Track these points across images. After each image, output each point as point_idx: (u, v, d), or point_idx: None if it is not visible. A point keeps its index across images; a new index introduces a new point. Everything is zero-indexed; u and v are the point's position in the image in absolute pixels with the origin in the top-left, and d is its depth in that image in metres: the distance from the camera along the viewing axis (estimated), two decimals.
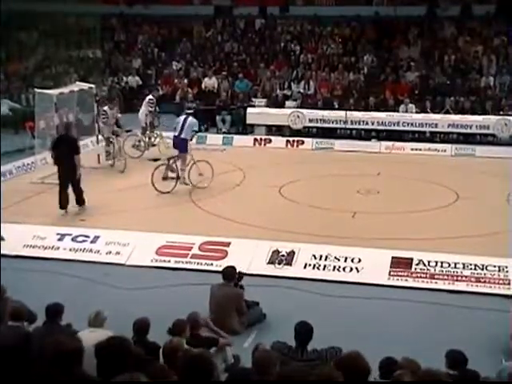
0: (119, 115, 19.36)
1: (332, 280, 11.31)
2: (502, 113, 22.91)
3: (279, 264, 11.81)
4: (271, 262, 11.87)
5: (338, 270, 11.60)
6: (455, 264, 11.46)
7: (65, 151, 14.39)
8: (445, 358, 6.78)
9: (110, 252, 12.32)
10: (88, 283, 11.12)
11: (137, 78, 28.25)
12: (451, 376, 6.21)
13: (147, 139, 20.34)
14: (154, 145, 20.36)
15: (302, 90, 25.39)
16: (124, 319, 7.55)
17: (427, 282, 11.19)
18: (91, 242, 12.59)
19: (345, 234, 13.26)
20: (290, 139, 22.40)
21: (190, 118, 16.89)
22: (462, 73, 25.33)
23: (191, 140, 16.89)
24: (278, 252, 12.04)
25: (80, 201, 14.77)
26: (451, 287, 11.06)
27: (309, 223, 14.02)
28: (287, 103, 24.59)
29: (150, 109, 20.42)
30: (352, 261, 11.71)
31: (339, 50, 27.42)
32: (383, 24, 28.21)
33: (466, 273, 11.31)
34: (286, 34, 28.92)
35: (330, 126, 23.07)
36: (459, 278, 11.23)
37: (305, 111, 23.18)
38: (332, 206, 15.09)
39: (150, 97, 20.78)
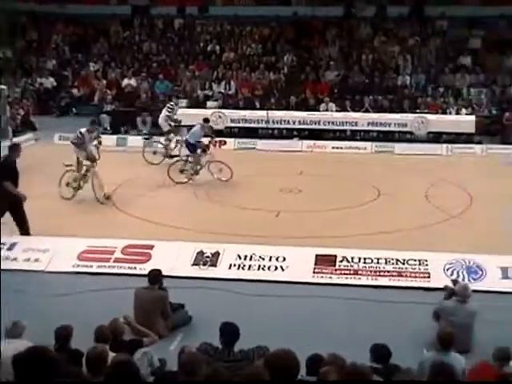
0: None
1: (257, 279, 11.29)
2: (418, 111, 23.52)
3: (204, 265, 11.71)
4: (196, 263, 11.75)
5: (262, 269, 11.59)
6: (377, 259, 11.63)
7: None
8: (369, 353, 6.85)
9: (29, 259, 11.92)
10: (5, 292, 10.71)
11: (51, 79, 27.39)
12: (375, 369, 6.28)
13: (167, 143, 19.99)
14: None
15: (223, 90, 25.37)
16: (45, 327, 7.31)
17: (351, 278, 11.31)
18: (8, 249, 12.13)
19: (269, 233, 13.29)
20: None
21: (197, 126, 17.82)
22: (379, 72, 25.84)
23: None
24: (203, 253, 11.94)
25: (23, 229, 12.73)
26: (374, 282, 11.21)
27: (233, 224, 13.97)
28: (208, 103, 24.54)
29: (168, 113, 20.23)
30: (277, 260, 11.73)
31: (259, 50, 27.52)
32: (302, 24, 28.46)
33: (388, 268, 11.48)
34: (205, 34, 28.80)
35: (252, 125, 23.13)
36: (382, 273, 11.40)
37: (226, 111, 23.18)
38: (255, 205, 15.10)
39: (172, 102, 20.81)
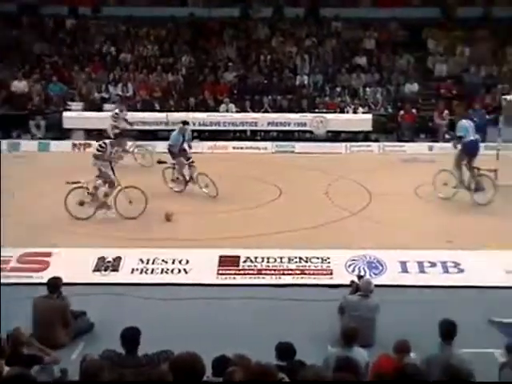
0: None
1: (160, 283, 11.13)
2: (317, 110, 23.89)
3: (105, 271, 11.45)
4: (97, 269, 11.47)
5: (166, 272, 11.45)
6: (281, 258, 11.70)
7: None
8: (275, 351, 6.85)
9: None
10: None
11: None
12: (280, 367, 6.32)
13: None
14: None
15: (120, 93, 24.89)
16: None
17: (255, 278, 11.34)
18: None
19: (171, 235, 13.14)
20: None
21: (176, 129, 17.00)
22: (278, 72, 26.06)
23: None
24: (104, 259, 11.68)
25: None
26: (278, 281, 11.27)
27: (133, 227, 13.72)
28: (105, 106, 24.01)
29: (113, 123, 19.97)
30: (180, 262, 11.61)
31: (156, 52, 27.17)
32: (198, 25, 28.29)
33: (292, 266, 11.57)
34: (100, 35, 28.08)
35: (151, 128, 22.83)
36: (285, 272, 11.47)
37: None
38: (155, 208, 14.78)
39: (116, 110, 20.59)
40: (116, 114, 20.44)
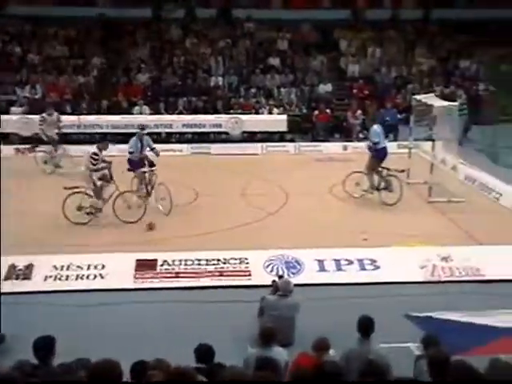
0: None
1: (76, 290, 10.84)
2: (232, 111, 23.87)
3: (17, 279, 11.06)
4: (8, 277, 11.06)
5: (81, 278, 11.19)
6: (198, 261, 11.62)
7: None
8: (194, 354, 6.76)
9: None
10: None
11: None
12: (199, 369, 6.28)
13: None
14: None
15: (28, 95, 24.12)
16: None
17: (173, 281, 11.22)
18: None
19: (85, 242, 12.82)
20: (20, 147, 21.19)
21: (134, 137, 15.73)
22: (192, 74, 25.91)
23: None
24: (15, 267, 11.27)
25: None
26: (196, 283, 11.20)
27: (46, 234, 13.31)
28: (12, 109, 23.23)
29: (40, 126, 19.83)
30: (95, 268, 11.37)
31: (66, 53, 26.49)
32: (109, 26, 27.78)
33: (210, 268, 11.52)
34: (3, 35, 27.04)
35: (63, 131, 22.21)
36: (203, 274, 11.41)
37: (34, 117, 22.02)
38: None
39: (43, 114, 19.98)
40: (42, 117, 19.83)
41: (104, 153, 14.55)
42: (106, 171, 14.36)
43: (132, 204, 14.63)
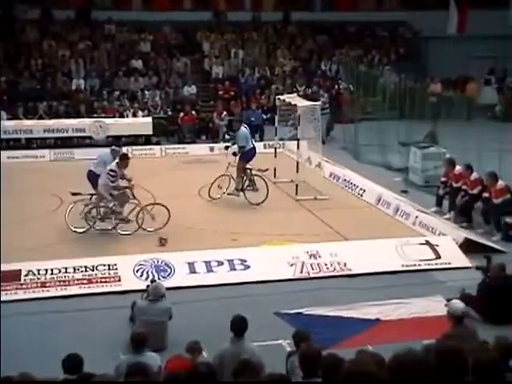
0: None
1: None
2: (95, 115, 23.36)
3: None
4: None
5: None
6: (65, 269, 11.24)
7: None
8: (61, 365, 6.51)
9: None
10: None
11: None
12: (69, 381, 6.14)
13: None
14: None
15: None
16: None
17: (39, 291, 10.79)
18: None
19: None
20: None
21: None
22: (51, 77, 25.11)
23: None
24: None
25: None
26: (64, 292, 10.84)
27: None
28: None
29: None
30: None
31: None
32: None
33: (78, 276, 11.17)
34: None
35: None
36: (71, 283, 11.05)
37: None
38: None
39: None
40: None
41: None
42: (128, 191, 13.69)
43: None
